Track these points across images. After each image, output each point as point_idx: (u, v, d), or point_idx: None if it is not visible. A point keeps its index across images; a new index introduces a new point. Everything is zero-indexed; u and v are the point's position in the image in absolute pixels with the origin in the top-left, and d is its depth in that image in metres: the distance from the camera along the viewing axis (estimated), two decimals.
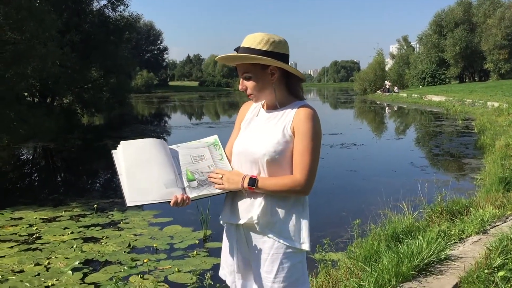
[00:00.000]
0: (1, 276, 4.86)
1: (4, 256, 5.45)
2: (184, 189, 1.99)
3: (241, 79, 2.00)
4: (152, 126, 25.81)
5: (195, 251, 5.55)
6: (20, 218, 7.05)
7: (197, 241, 5.91)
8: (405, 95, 45.07)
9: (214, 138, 2.21)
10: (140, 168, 1.98)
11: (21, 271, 5.04)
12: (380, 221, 5.68)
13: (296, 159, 1.91)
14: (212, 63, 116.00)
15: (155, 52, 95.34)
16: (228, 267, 2.11)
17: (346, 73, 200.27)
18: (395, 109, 36.00)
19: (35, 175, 12.59)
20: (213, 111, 38.85)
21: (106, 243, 5.94)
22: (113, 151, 2.03)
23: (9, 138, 14.57)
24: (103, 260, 5.35)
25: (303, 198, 1.98)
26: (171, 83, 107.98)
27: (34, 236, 6.19)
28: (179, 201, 1.91)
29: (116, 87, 27.64)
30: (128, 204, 1.89)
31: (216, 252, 5.55)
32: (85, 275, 4.95)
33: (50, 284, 4.69)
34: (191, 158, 2.10)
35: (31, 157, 15.38)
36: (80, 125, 24.40)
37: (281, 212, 1.94)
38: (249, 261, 2.03)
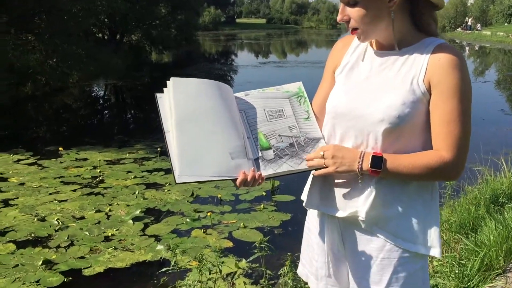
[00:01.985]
0: (62, 222, 4.68)
1: (66, 200, 5.29)
2: (255, 161, 1.41)
3: (341, 6, 1.35)
4: (218, 65, 25.36)
5: (262, 205, 5.11)
6: (85, 159, 6.91)
7: (264, 193, 5.45)
8: (488, 33, 41.38)
9: (297, 86, 1.58)
10: (196, 125, 1.40)
11: (82, 217, 4.84)
12: (473, 179, 4.93)
13: (438, 129, 1.29)
14: None
15: None
16: (312, 268, 1.55)
17: None
18: (476, 48, 33.22)
19: (103, 113, 12.61)
20: (280, 49, 37.74)
21: (169, 190, 5.63)
22: (157, 95, 1.44)
23: (79, 75, 14.65)
24: (165, 209, 5.04)
25: (431, 183, 1.37)
26: (238, 20, 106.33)
27: (97, 180, 6.00)
28: (248, 179, 1.34)
29: (184, 24, 27.21)
30: (178, 180, 1.31)
31: (285, 207, 5.09)
32: (146, 225, 4.66)
33: (109, 234, 4.44)
34: (265, 114, 1.51)
35: (100, 94, 15.50)
36: (148, 63, 24.38)
37: (399, 202, 1.35)
38: (345, 265, 1.47)
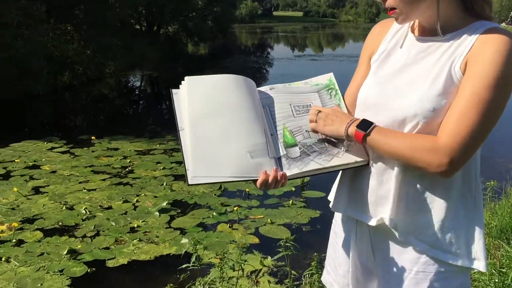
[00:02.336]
0: (90, 211, 4.68)
1: (95, 190, 5.30)
2: (278, 159, 1.28)
3: None
4: (254, 57, 25.26)
5: (291, 200, 4.97)
6: (116, 149, 6.93)
7: (293, 188, 5.31)
8: None
9: (328, 77, 1.44)
10: (212, 122, 1.29)
11: (109, 207, 4.82)
12: None
13: (448, 114, 1.11)
14: None
15: None
16: (338, 276, 1.41)
17: None
18: None
19: (137, 103, 12.70)
20: (316, 43, 37.29)
21: None
22: (173, 91, 1.36)
23: (116, 65, 14.81)
24: (192, 202, 4.97)
25: (474, 187, 1.20)
26: (275, 13, 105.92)
27: (127, 170, 5.99)
28: (270, 180, 1.21)
29: (220, 16, 27.25)
30: (190, 181, 1.21)
31: (314, 203, 4.94)
32: (172, 218, 4.60)
33: (135, 225, 4.40)
34: (291, 109, 1.38)
35: (135, 85, 15.64)
36: (184, 54, 24.48)
37: (438, 209, 1.18)
38: (375, 277, 1.32)
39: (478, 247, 1.18)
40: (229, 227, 4.39)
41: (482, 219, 1.22)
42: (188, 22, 25.52)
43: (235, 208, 4.63)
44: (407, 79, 1.19)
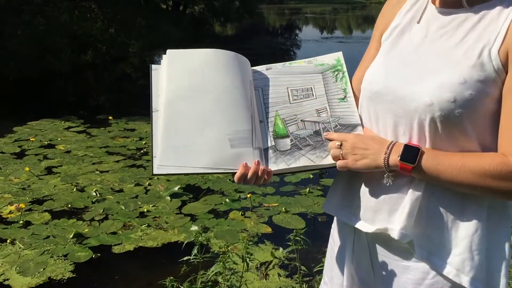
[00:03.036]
0: (100, 194, 4.56)
1: (108, 171, 5.18)
2: (264, 151, 1.09)
3: None
4: (282, 39, 24.87)
5: (308, 188, 4.74)
6: (133, 130, 6.81)
7: (311, 176, 5.08)
8: None
9: (335, 57, 1.22)
10: (191, 103, 1.10)
11: (121, 190, 4.70)
12: None
13: (508, 123, 0.88)
14: None
15: None
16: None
17: None
18: None
19: None
20: (346, 25, 36.49)
21: None
22: (152, 66, 1.19)
23: (139, 45, 14.70)
24: (205, 187, 4.80)
25: (499, 203, 0.97)
26: None
27: (142, 152, 5.86)
28: (249, 175, 1.02)
29: None
30: (156, 170, 1.04)
31: None
32: (183, 203, 4.44)
33: (145, 210, 4.27)
34: (288, 94, 1.17)
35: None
36: (211, 34, 24.22)
37: (452, 221, 0.97)
38: None
39: (502, 271, 0.97)
40: (242, 214, 4.21)
41: (508, 239, 0.99)
42: (214, 2, 25.21)
43: (248, 195, 4.44)
44: (424, 61, 0.96)
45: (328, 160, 1.07)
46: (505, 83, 0.88)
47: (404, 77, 0.98)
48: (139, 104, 9.06)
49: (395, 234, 0.99)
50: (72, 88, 10.07)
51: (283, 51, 18.51)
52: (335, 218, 1.27)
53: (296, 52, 18.62)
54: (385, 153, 0.96)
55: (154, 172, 1.04)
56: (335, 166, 1.06)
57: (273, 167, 1.07)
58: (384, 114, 1.01)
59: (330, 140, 1.06)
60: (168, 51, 1.19)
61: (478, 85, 0.88)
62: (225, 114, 1.09)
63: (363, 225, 1.06)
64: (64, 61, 10.84)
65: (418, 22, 1.03)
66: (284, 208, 4.30)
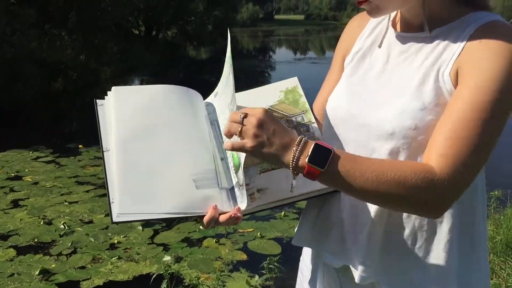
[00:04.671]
0: (69, 226, 4.39)
1: (77, 202, 5.01)
2: (231, 190, 0.99)
3: None
4: (255, 61, 25.03)
5: (283, 212, 4.67)
6: None
7: None
8: None
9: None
10: (146, 143, 1.01)
11: (90, 221, 4.53)
12: None
13: (439, 130, 0.82)
14: None
15: None
16: None
17: None
18: None
19: None
20: (318, 46, 37.09)
21: None
22: (97, 101, 1.08)
23: (112, 71, 14.57)
24: None
25: (472, 226, 0.92)
26: (276, 16, 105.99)
27: None
28: (221, 219, 0.92)
29: (220, 20, 27.03)
30: (116, 218, 0.91)
31: None
32: (156, 232, 4.31)
33: (116, 241, 4.12)
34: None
35: None
36: (185, 58, 24.25)
37: (422, 253, 0.91)
38: None
39: None
40: (216, 242, 4.10)
41: (485, 271, 0.95)
42: (187, 26, 25.33)
43: None
44: (385, 88, 0.92)
45: (300, 190, 0.98)
46: (453, 98, 0.83)
47: (365, 104, 0.93)
48: None
49: (357, 267, 0.93)
50: (41, 116, 9.84)
51: (258, 73, 18.64)
52: (303, 250, 1.21)
53: (271, 73, 18.77)
54: (295, 150, 0.80)
55: (114, 220, 0.92)
56: (311, 197, 0.98)
57: (242, 206, 0.97)
58: (347, 142, 0.96)
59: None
60: (113, 88, 1.10)
61: (437, 109, 0.84)
62: (185, 154, 1.01)
63: (331, 259, 1.00)
64: (33, 89, 10.64)
65: (379, 47, 0.99)
66: (260, 234, 4.21)
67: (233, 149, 0.84)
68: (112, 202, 0.93)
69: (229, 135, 0.85)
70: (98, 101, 1.08)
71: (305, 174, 0.81)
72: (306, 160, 0.80)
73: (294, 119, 1.08)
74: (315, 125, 1.05)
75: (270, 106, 1.10)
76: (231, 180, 1.01)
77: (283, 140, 0.81)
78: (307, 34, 55.06)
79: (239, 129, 0.82)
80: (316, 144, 0.80)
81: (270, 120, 0.82)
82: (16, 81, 10.16)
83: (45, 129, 8.95)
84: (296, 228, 1.14)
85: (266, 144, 0.81)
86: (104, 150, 1.01)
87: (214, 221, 0.92)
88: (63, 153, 6.85)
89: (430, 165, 0.79)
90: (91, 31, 13.85)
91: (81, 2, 13.37)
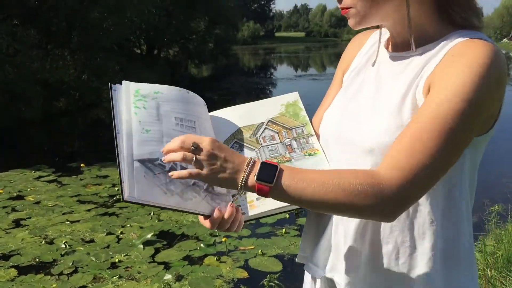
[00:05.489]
0: (70, 246, 4.40)
1: (78, 221, 5.02)
2: (234, 197, 1.00)
3: None
4: (256, 78, 25.24)
5: (284, 229, 4.67)
6: (105, 176, 6.67)
7: (287, 216, 5.01)
8: None
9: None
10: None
11: (91, 240, 4.54)
12: None
13: (398, 139, 0.83)
14: (319, 12, 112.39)
15: (262, 2, 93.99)
16: None
17: None
18: None
19: None
20: (319, 62, 37.32)
21: None
22: (112, 86, 1.09)
23: None
24: (180, 233, 4.68)
25: (456, 239, 0.92)
26: (277, 34, 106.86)
27: (114, 199, 5.70)
28: (225, 222, 0.95)
29: (221, 39, 27.25)
30: (126, 197, 0.92)
31: None
32: (157, 250, 4.31)
33: (117, 260, 4.12)
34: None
35: None
36: (186, 76, 24.42)
37: (407, 269, 0.92)
38: None
39: None
40: (217, 259, 4.09)
41: (476, 282, 0.95)
42: (188, 44, 25.53)
43: (223, 239, 4.34)
44: (371, 106, 0.94)
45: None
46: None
47: (353, 122, 0.95)
48: (112, 150, 8.88)
49: (340, 279, 0.96)
50: (43, 136, 9.91)
51: (259, 90, 18.76)
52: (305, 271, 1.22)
53: (272, 90, 18.88)
54: (244, 171, 0.84)
55: (125, 199, 0.93)
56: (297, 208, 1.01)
57: (248, 212, 1.00)
58: (338, 159, 0.99)
59: (171, 150, 0.89)
60: (123, 82, 1.12)
61: None
62: None
63: (319, 273, 1.02)
64: (35, 109, 10.72)
65: (373, 65, 1.02)
66: (261, 251, 4.20)
67: (191, 177, 0.87)
68: (123, 182, 0.94)
69: (172, 158, 0.88)
70: (113, 86, 1.10)
71: (257, 191, 0.84)
72: (255, 178, 0.83)
73: (294, 131, 1.12)
74: (315, 137, 1.10)
75: (271, 119, 1.15)
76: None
77: (235, 164, 0.85)
78: (308, 51, 55.45)
79: (194, 158, 0.85)
80: (262, 163, 0.84)
81: (220, 148, 0.86)
82: (18, 101, 10.24)
83: (47, 148, 9.00)
84: (300, 245, 1.16)
85: (221, 170, 0.85)
86: (117, 132, 1.03)
87: (216, 223, 0.94)
88: (65, 172, 6.88)
89: (376, 170, 0.81)
90: (93, 51, 13.97)
91: (83, 23, 13.52)
